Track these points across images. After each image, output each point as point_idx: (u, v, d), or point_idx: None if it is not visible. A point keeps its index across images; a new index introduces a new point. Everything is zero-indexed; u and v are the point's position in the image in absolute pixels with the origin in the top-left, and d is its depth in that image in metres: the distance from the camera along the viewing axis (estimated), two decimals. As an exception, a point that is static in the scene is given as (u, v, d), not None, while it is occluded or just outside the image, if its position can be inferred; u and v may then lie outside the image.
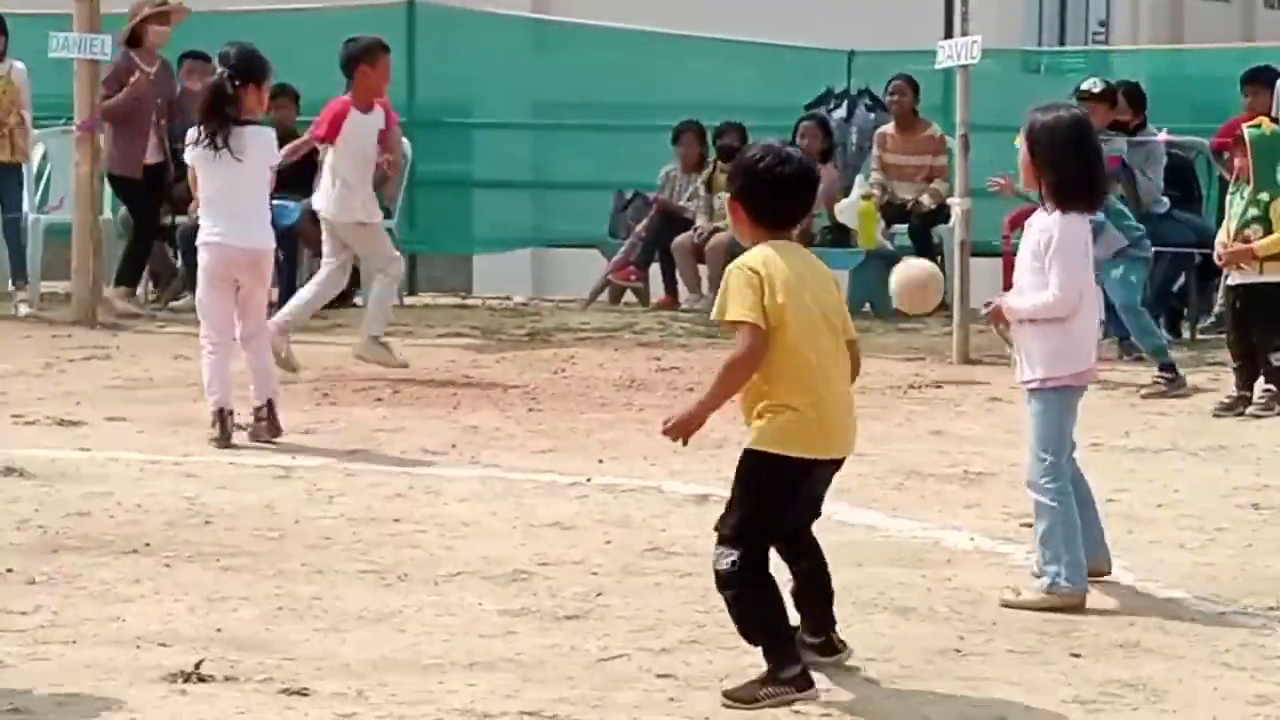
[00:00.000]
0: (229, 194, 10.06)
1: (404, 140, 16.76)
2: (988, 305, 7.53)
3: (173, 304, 15.81)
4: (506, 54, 18.29)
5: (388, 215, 16.44)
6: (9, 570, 7.34)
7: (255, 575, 7.39)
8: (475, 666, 6.23)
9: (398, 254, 12.76)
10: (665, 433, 6.03)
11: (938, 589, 7.30)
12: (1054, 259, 7.13)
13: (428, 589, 7.24)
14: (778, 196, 6.03)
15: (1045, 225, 7.21)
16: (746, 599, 5.94)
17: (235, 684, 6.00)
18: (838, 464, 6.16)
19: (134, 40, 15.13)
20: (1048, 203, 7.22)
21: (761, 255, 5.97)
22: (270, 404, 10.10)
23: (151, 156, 15.32)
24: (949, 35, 14.40)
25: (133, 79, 15.07)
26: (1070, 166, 7.22)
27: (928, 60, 14.41)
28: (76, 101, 14.72)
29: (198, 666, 6.09)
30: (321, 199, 12.40)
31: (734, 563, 5.91)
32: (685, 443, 6.07)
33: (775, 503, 6.04)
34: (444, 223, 18.52)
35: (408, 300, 17.18)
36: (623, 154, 17.75)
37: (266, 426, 10.05)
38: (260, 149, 10.11)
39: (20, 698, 5.84)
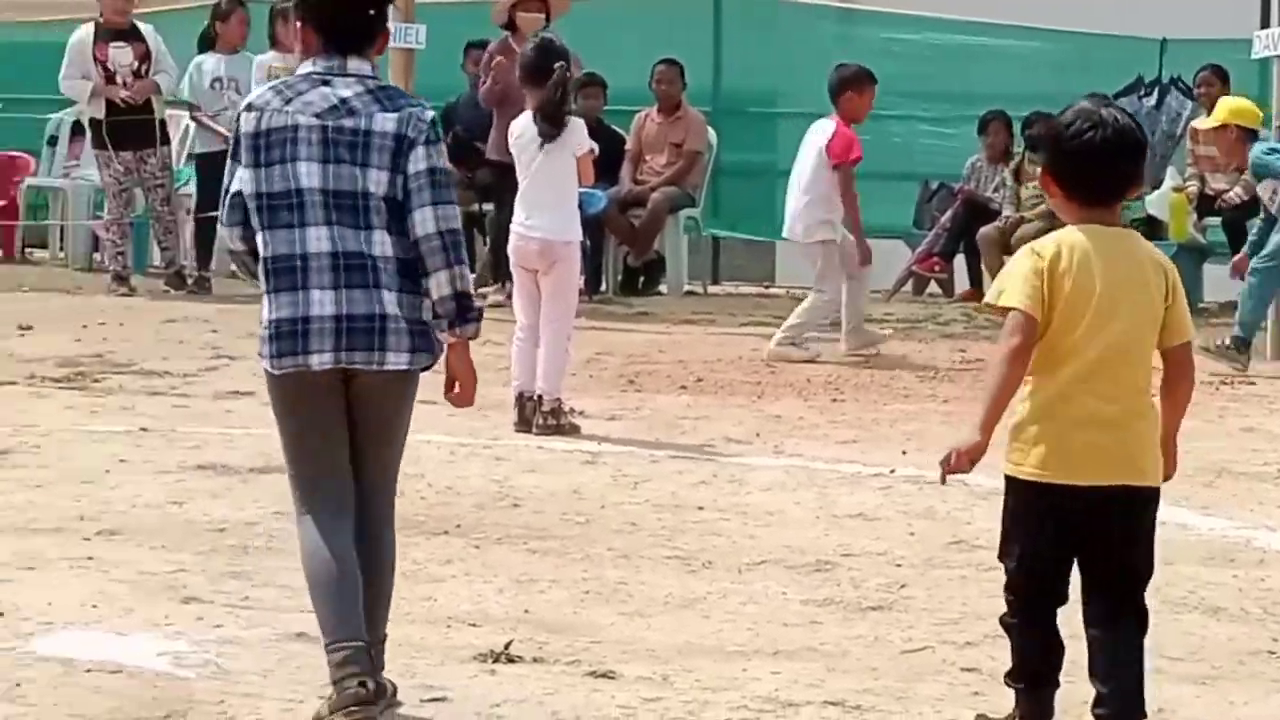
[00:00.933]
0: (539, 184, 10.16)
1: (709, 129, 16.86)
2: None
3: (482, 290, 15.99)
4: (813, 42, 18.25)
5: (691, 203, 16.57)
6: (325, 549, 7.51)
7: (563, 559, 7.47)
8: (779, 655, 6.24)
9: (838, 278, 12.99)
10: (951, 471, 5.23)
11: (1250, 589, 7.17)
12: None
13: (731, 576, 7.26)
14: (1088, 166, 5.23)
15: None
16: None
17: (543, 665, 6.08)
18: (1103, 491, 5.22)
19: (511, 25, 14.97)
20: None
21: (1057, 238, 5.26)
22: (547, 399, 10.04)
23: None
24: (1265, 25, 14.10)
25: (494, 63, 14.79)
26: None
27: (1244, 50, 14.12)
28: (392, 91, 14.96)
29: (507, 647, 6.17)
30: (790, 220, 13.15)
31: None
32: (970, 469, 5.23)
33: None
34: (748, 210, 18.52)
35: (711, 289, 17.25)
36: (928, 144, 17.61)
37: (545, 416, 10.01)
38: (573, 140, 10.21)
39: (336, 673, 5.98)
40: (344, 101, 5.45)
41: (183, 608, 6.65)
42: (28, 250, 17.90)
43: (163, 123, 15.56)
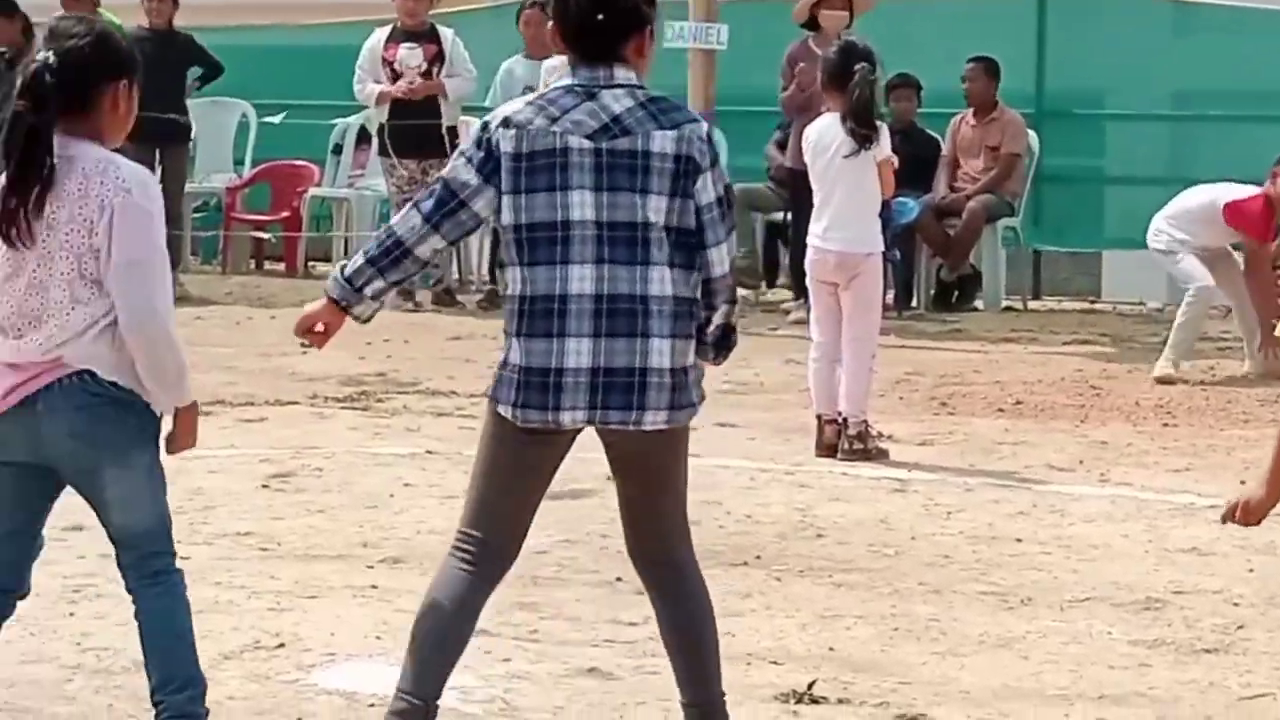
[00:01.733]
0: (839, 193, 10.13)
1: (1030, 133, 16.73)
2: None
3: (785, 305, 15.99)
4: (1145, 39, 18.04)
5: (1010, 212, 16.44)
6: (618, 579, 7.56)
7: (870, 593, 7.46)
8: (1104, 699, 6.19)
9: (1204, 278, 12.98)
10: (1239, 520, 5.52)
11: None
12: None
13: (1052, 614, 7.21)
14: None
15: None
16: None
17: (849, 706, 6.08)
18: None
19: (813, 24, 15.04)
20: None
21: None
22: (852, 422, 10.02)
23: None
24: None
25: (797, 69, 14.81)
26: None
27: None
28: (690, 92, 15.03)
29: (810, 687, 6.18)
30: None
31: None
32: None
33: None
34: (1073, 220, 18.37)
35: (1031, 305, 17.11)
36: (1270, 147, 17.29)
37: (855, 440, 10.00)
38: (875, 146, 10.17)
39: (631, 712, 6.02)
40: (616, 119, 5.16)
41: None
42: (311, 264, 18.19)
43: (452, 130, 15.72)
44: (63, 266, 5.08)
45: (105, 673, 6.36)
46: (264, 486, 9.17)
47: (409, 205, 5.25)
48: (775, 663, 6.51)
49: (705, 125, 5.32)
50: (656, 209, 5.11)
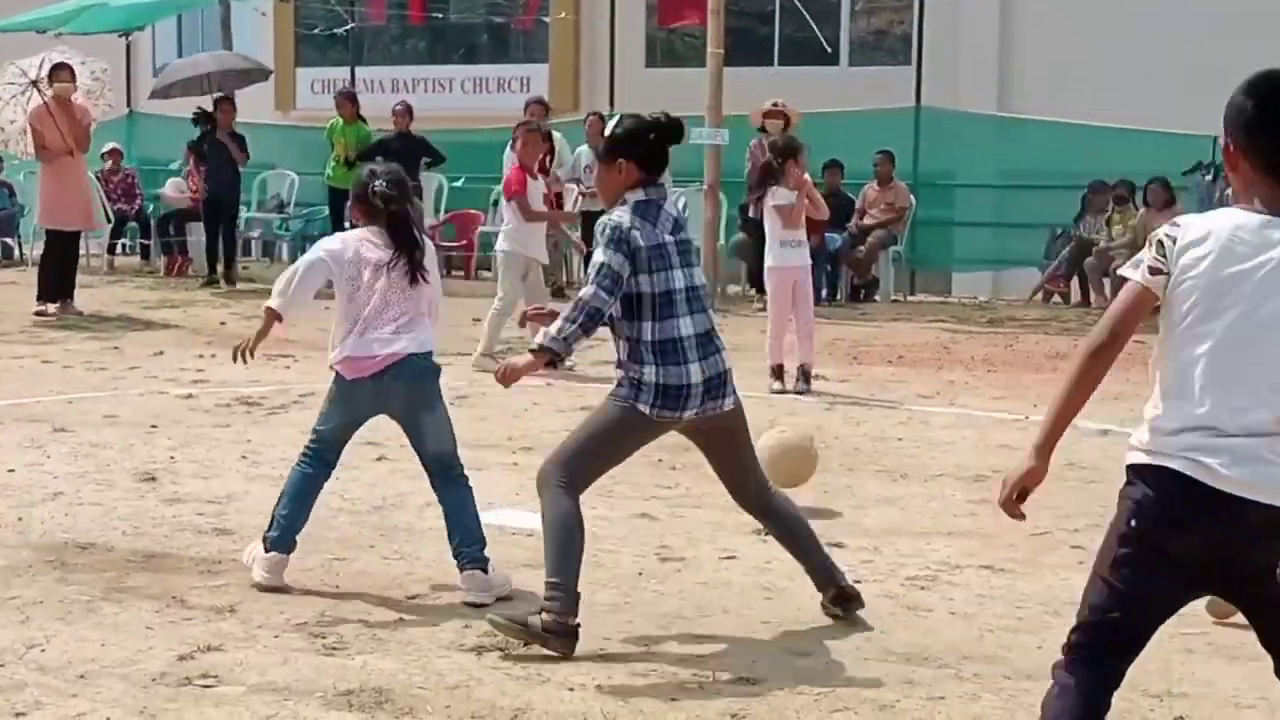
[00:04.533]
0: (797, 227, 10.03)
1: (911, 196, 16.65)
2: None
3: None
4: (980, 138, 18.05)
5: (896, 242, 16.28)
6: (660, 460, 7.52)
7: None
8: (951, 534, 6.16)
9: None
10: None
11: None
12: None
13: (920, 484, 7.18)
14: None
15: None
16: None
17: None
18: None
19: (763, 128, 14.75)
20: None
21: None
22: (804, 367, 9.88)
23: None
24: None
25: (753, 153, 14.70)
26: None
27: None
28: (705, 171, 15.04)
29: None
30: None
31: None
32: None
33: None
34: (935, 248, 18.28)
35: (909, 299, 17.02)
36: (1056, 203, 17.25)
37: (801, 380, 9.85)
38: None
39: (668, 538, 6.03)
40: (676, 221, 4.83)
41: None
42: (479, 272, 18.29)
43: (559, 196, 15.77)
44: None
45: (357, 513, 6.41)
46: (451, 404, 9.10)
47: (591, 288, 4.63)
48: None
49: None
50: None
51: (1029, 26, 21.36)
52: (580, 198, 16.43)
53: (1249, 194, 3.10)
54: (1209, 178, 15.08)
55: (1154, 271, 3.10)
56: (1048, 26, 21.03)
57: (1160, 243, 3.12)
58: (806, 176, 10.09)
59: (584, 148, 16.01)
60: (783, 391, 9.81)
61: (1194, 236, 3.08)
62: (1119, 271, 3.25)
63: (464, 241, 18.50)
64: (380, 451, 7.65)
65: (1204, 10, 19.84)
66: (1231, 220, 3.08)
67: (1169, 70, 19.78)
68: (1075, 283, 16.52)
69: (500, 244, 11.12)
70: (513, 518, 6.31)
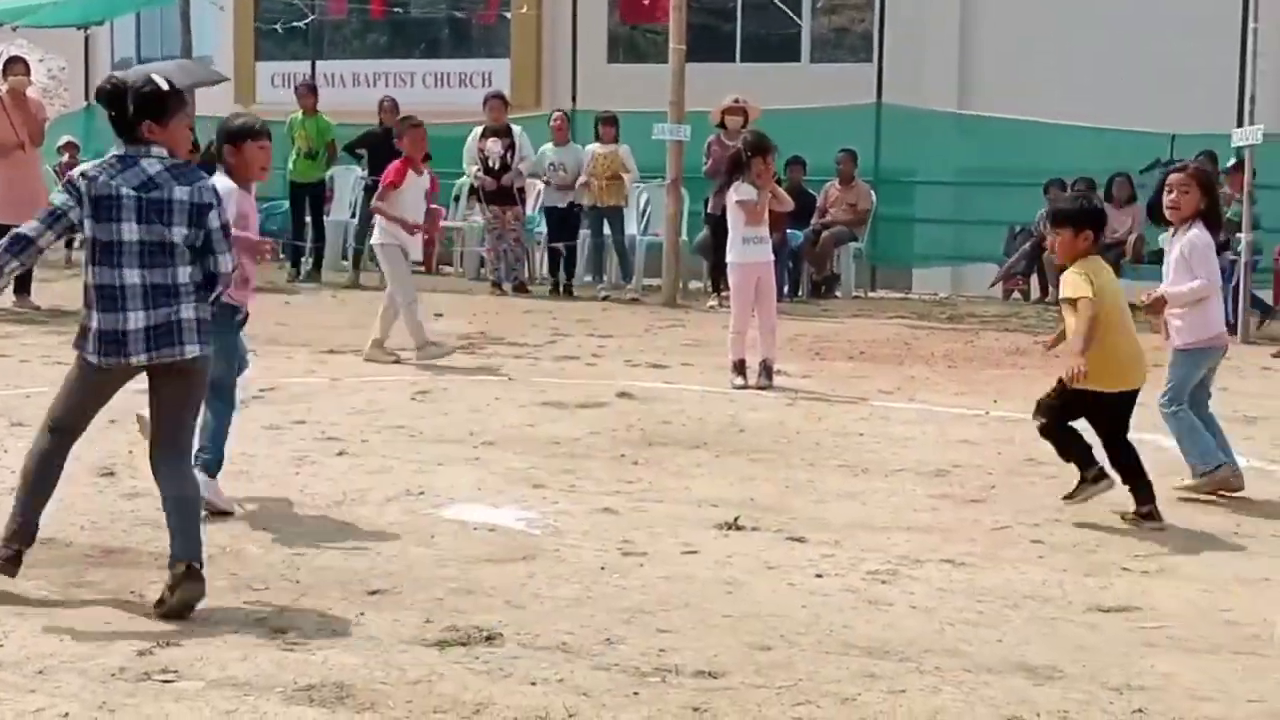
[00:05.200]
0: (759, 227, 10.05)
1: (872, 193, 16.68)
2: (1147, 296, 6.89)
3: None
4: (939, 137, 18.09)
5: (857, 239, 16.31)
6: (622, 455, 7.58)
7: (772, 465, 7.46)
8: (911, 529, 6.18)
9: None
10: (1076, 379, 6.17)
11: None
12: (1201, 259, 6.79)
13: (880, 479, 7.20)
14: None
15: (1188, 239, 6.79)
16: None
17: (759, 532, 6.08)
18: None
19: (722, 124, 14.88)
20: (1196, 224, 6.80)
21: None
22: (766, 362, 9.89)
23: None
24: (1240, 125, 13.66)
25: (712, 153, 14.86)
26: (1216, 201, 6.94)
27: (1227, 140, 13.77)
28: (668, 167, 15.02)
29: (735, 520, 6.19)
30: None
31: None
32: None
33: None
34: (895, 245, 18.33)
35: (870, 295, 17.08)
36: (1015, 200, 17.34)
37: (763, 375, 9.88)
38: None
39: (630, 532, 6.05)
40: (151, 179, 4.83)
41: (533, 490, 6.76)
42: (440, 267, 18.22)
43: (521, 190, 15.76)
44: None
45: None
46: (412, 399, 9.19)
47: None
48: (715, 506, 6.51)
49: (212, 182, 5.01)
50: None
51: (989, 25, 21.48)
52: (540, 194, 16.44)
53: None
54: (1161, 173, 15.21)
55: None
56: (1008, 25, 21.16)
57: None
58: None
59: (547, 146, 16.01)
60: (745, 387, 9.81)
61: None
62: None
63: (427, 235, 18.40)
64: (341, 446, 7.62)
65: (1164, 10, 19.99)
66: None
67: (1128, 69, 19.93)
68: (1035, 279, 16.61)
69: (375, 237, 10.92)
70: (473, 512, 6.29)
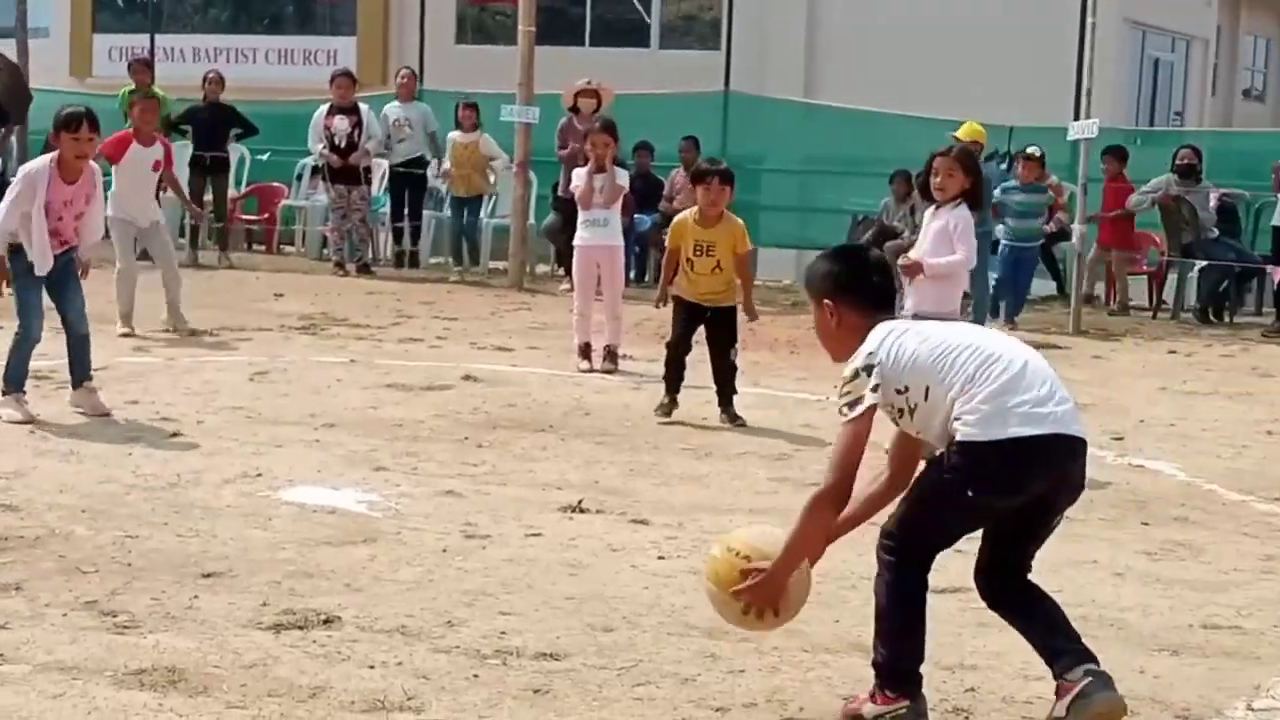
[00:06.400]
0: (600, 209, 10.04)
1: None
2: (905, 260, 7.25)
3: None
4: (786, 125, 18.25)
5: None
6: (466, 438, 7.53)
7: (617, 449, 7.47)
8: (753, 511, 6.23)
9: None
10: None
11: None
12: (963, 235, 7.20)
13: (724, 462, 7.25)
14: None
15: (954, 215, 7.23)
16: None
17: (603, 515, 6.08)
18: None
19: (575, 108, 14.75)
20: (961, 203, 7.21)
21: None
22: (610, 347, 9.90)
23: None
24: (1076, 118, 14.03)
25: (563, 132, 14.79)
26: (978, 183, 7.35)
27: (1062, 134, 14.13)
28: (516, 149, 14.91)
29: (580, 503, 6.19)
30: None
31: None
32: None
33: None
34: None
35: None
36: (859, 189, 17.58)
37: (608, 360, 9.90)
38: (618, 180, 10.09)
39: (473, 515, 6.01)
40: None
41: (374, 473, 6.68)
42: (281, 247, 17.92)
43: (367, 170, 15.56)
44: None
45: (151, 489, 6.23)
46: (251, 380, 9.02)
47: None
48: (559, 489, 6.50)
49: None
50: None
51: (836, 17, 21.75)
52: (385, 174, 16.25)
53: (855, 338, 3.98)
54: (1003, 166, 15.50)
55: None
56: (853, 17, 21.44)
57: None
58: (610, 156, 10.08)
59: (393, 103, 15.85)
60: (590, 370, 9.80)
61: None
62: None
63: (266, 215, 18.09)
64: (175, 427, 7.45)
65: (1005, 5, 20.42)
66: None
67: (970, 63, 20.33)
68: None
69: (107, 209, 10.75)
70: (313, 494, 6.20)
